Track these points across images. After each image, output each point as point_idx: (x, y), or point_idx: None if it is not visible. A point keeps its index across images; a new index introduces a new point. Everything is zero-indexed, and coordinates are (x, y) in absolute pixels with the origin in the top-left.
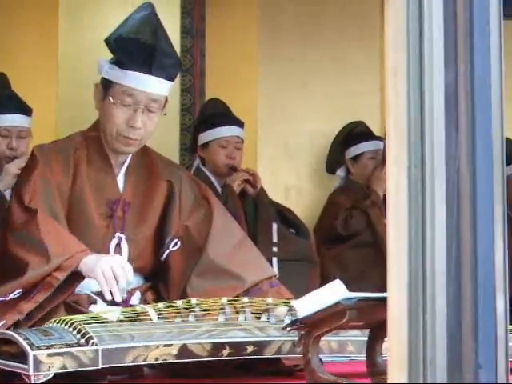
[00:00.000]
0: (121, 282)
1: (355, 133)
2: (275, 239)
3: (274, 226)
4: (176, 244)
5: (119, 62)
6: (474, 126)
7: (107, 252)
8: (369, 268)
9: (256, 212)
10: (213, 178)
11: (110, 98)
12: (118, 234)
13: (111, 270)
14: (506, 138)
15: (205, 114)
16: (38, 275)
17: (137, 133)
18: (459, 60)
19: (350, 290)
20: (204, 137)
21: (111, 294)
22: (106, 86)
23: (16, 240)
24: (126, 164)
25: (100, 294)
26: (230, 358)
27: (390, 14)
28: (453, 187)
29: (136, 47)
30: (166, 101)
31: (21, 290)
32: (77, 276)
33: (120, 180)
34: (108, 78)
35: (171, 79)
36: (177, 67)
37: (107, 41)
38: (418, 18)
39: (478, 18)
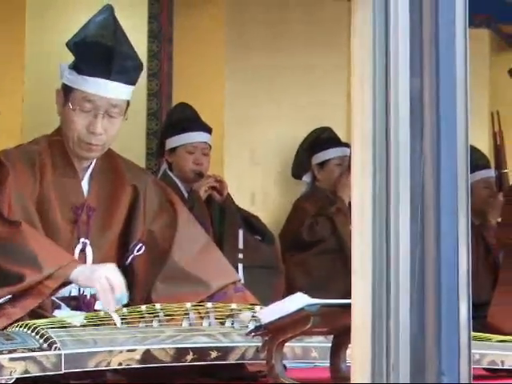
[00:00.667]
0: (117, 291)
1: (322, 139)
2: (241, 246)
3: (240, 232)
4: (140, 249)
5: (78, 68)
6: (439, 134)
7: None
8: (334, 275)
9: (222, 219)
10: (179, 184)
11: (70, 104)
12: (82, 240)
13: (107, 280)
14: (471, 146)
15: (172, 119)
16: (29, 283)
17: (98, 138)
18: (425, 69)
19: (315, 296)
20: (171, 142)
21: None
22: (66, 91)
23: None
24: (90, 169)
25: (64, 300)
26: (193, 364)
27: (356, 23)
28: (417, 194)
29: (95, 51)
30: (128, 105)
31: (10, 296)
32: (63, 284)
33: (84, 185)
34: (67, 83)
35: (132, 83)
36: (137, 70)
37: (68, 45)
38: (384, 27)
39: (443, 27)
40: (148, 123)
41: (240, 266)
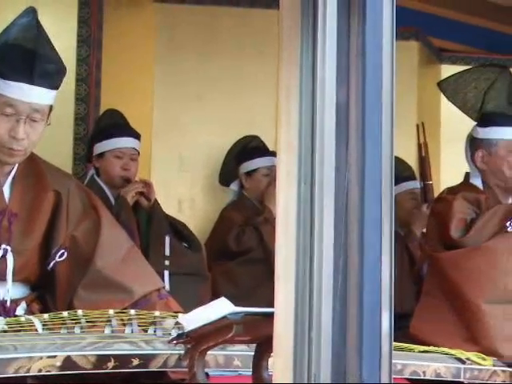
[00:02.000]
0: None
1: (250, 148)
2: (167, 253)
3: (167, 239)
4: (62, 254)
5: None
6: (364, 145)
7: None
8: (260, 284)
9: (149, 225)
10: (107, 189)
11: None
12: (3, 246)
13: None
14: (396, 157)
15: (101, 125)
16: None
17: (20, 144)
18: (351, 79)
19: (241, 305)
20: (99, 147)
21: None
22: None
23: None
24: (12, 174)
25: None
26: (115, 371)
27: (283, 30)
28: (342, 205)
29: (17, 54)
30: (51, 109)
31: None
32: None
33: (6, 190)
34: None
35: (55, 87)
36: (60, 74)
37: None
38: (311, 35)
39: (370, 39)
40: (75, 128)
41: (166, 272)
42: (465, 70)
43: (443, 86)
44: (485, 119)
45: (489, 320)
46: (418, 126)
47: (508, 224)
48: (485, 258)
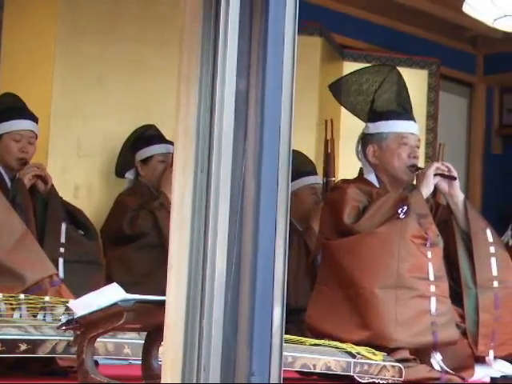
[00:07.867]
0: None
1: (146, 136)
2: (63, 240)
3: (63, 226)
4: None
5: None
6: (262, 137)
7: None
8: (155, 270)
9: (45, 210)
10: (3, 171)
11: None
12: None
13: None
14: (299, 152)
15: None
16: None
17: None
18: (252, 70)
19: (135, 291)
20: None
21: None
22: None
23: None
24: None
25: None
26: (1, 356)
27: (185, 21)
28: (238, 196)
29: None
30: None
31: None
32: None
33: None
34: None
35: None
36: None
37: None
38: (213, 23)
39: (272, 30)
40: None
41: (61, 260)
42: (352, 72)
43: (333, 89)
44: (374, 115)
45: (382, 305)
46: (326, 122)
47: (400, 211)
48: (378, 243)
